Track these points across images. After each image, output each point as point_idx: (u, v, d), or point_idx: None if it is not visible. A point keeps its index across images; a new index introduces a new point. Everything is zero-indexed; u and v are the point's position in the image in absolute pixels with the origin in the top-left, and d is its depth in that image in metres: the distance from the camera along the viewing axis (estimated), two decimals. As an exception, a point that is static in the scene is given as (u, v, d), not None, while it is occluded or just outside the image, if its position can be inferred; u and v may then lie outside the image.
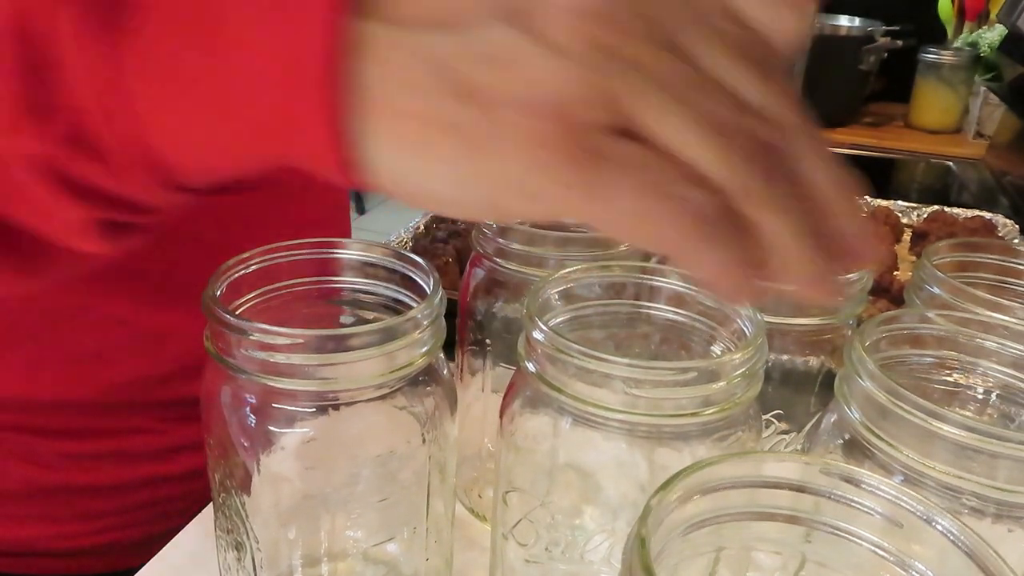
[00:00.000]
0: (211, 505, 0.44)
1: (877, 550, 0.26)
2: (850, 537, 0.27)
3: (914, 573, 0.25)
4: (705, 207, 0.23)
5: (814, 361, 0.48)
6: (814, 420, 0.41)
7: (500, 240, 0.48)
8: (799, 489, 0.27)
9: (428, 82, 0.24)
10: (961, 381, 0.40)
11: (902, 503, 0.26)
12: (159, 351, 0.57)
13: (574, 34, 0.23)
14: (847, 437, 0.35)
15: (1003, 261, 0.50)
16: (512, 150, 0.24)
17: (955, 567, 0.24)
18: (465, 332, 0.54)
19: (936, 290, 0.46)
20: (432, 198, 0.26)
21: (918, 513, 0.25)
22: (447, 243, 0.86)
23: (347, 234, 0.72)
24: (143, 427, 0.59)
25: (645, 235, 0.24)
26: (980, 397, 0.40)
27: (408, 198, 0.26)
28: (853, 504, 0.27)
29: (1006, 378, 0.39)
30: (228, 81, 0.26)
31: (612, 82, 0.23)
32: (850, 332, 0.48)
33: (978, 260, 0.51)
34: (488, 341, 0.52)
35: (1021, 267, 0.50)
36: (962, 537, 0.24)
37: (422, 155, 0.25)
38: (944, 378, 0.40)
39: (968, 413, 0.40)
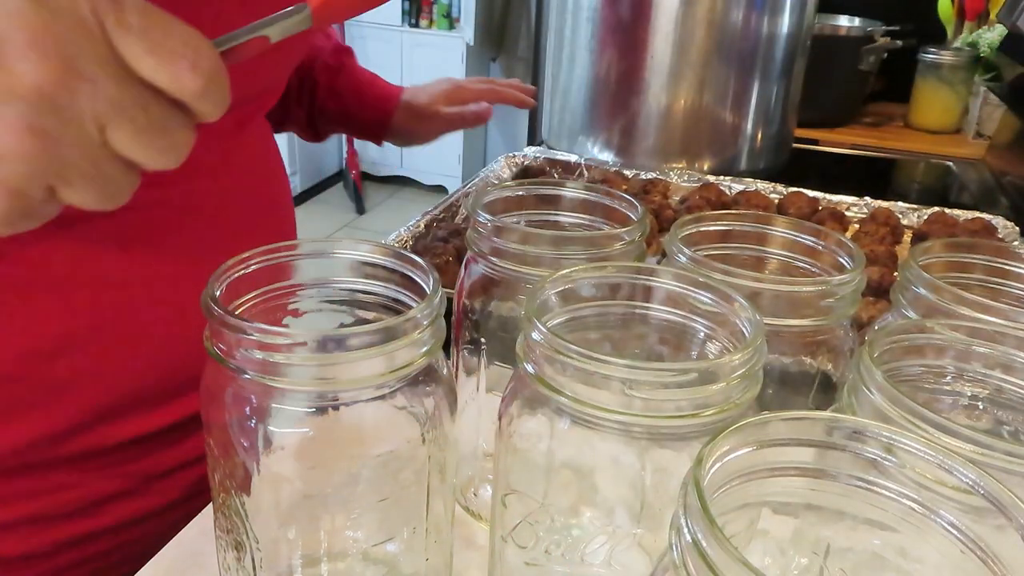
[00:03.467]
0: (211, 505, 0.44)
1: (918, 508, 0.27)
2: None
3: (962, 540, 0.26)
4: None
5: (809, 362, 0.48)
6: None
7: (495, 239, 0.48)
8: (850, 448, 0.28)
9: None
10: (958, 389, 0.40)
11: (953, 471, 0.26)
12: (58, 404, 0.52)
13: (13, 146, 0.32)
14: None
15: (993, 262, 0.50)
16: None
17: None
18: (460, 331, 0.54)
19: (921, 291, 0.46)
20: None
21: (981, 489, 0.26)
22: (447, 242, 0.86)
23: (291, 230, 0.70)
24: (62, 484, 0.54)
25: None
26: (968, 403, 0.40)
27: None
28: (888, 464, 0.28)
29: (997, 382, 0.39)
30: None
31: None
32: (842, 332, 0.48)
33: (969, 261, 0.51)
34: (483, 340, 0.52)
35: (1012, 268, 0.50)
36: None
37: None
38: (943, 386, 0.40)
39: (968, 422, 0.40)
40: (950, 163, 1.47)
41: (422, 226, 0.91)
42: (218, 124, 0.38)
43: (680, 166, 1.24)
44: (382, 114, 0.94)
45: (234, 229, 0.59)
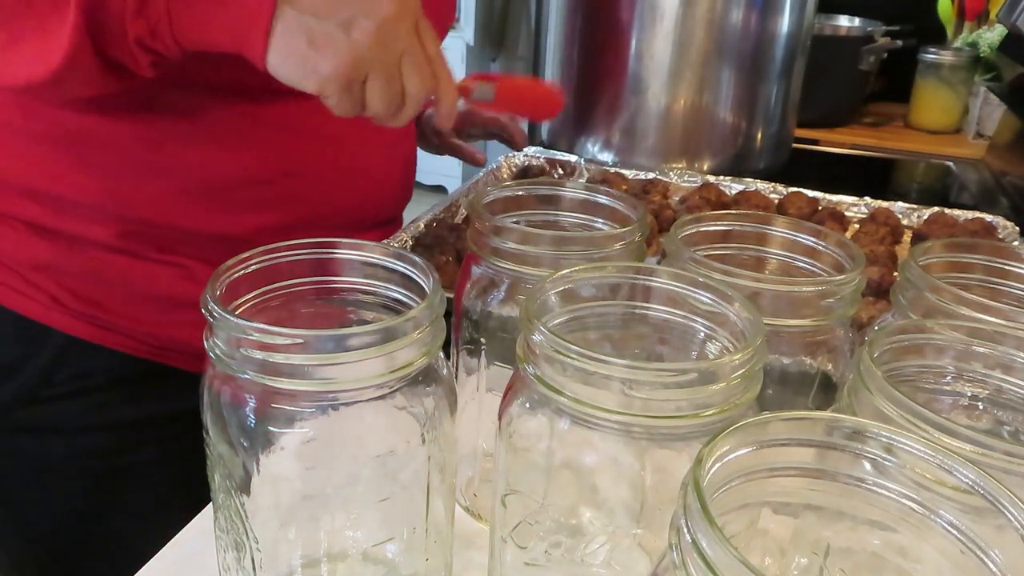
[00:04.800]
0: (211, 505, 0.44)
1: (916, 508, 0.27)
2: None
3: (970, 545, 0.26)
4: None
5: (809, 362, 0.48)
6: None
7: (495, 239, 0.48)
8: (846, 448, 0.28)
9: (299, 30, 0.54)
10: (958, 389, 0.40)
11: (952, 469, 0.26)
12: (287, 207, 0.72)
13: (363, 39, 0.54)
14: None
15: (993, 262, 0.50)
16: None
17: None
18: (460, 331, 0.54)
19: (921, 291, 0.46)
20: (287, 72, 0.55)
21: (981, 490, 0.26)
22: (448, 242, 0.86)
23: (413, 158, 0.88)
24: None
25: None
26: (968, 403, 0.40)
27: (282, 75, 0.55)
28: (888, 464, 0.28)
29: (997, 382, 0.39)
30: (220, 7, 0.54)
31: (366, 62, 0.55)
32: (842, 332, 0.48)
33: (969, 261, 0.51)
34: (483, 340, 0.52)
35: (1012, 268, 0.50)
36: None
37: (291, 57, 0.54)
38: (943, 387, 0.40)
39: (968, 422, 0.40)
40: (950, 163, 1.47)
41: (422, 226, 0.91)
42: None
43: (680, 166, 1.24)
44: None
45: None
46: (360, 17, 0.53)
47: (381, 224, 0.84)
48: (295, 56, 0.53)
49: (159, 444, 0.76)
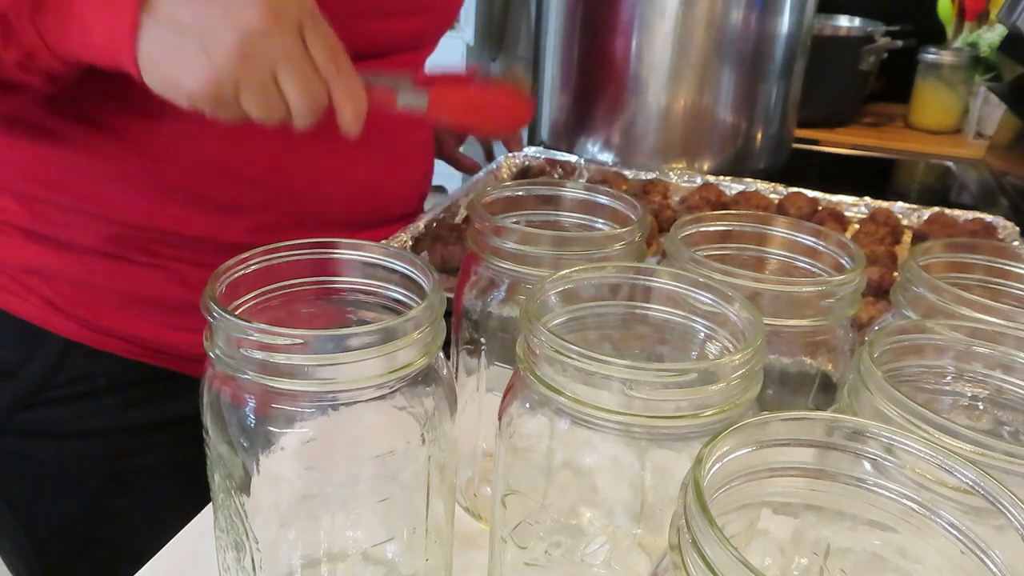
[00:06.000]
0: (211, 505, 0.44)
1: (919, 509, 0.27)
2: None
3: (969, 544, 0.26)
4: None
5: (809, 362, 0.48)
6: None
7: (495, 239, 0.48)
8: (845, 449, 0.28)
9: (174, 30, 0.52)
10: (958, 389, 0.40)
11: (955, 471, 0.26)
12: (280, 205, 0.72)
13: (222, 53, 0.52)
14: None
15: (993, 262, 0.50)
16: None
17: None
18: (460, 331, 0.54)
19: (921, 291, 0.46)
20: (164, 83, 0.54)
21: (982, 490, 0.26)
22: (448, 242, 0.86)
23: (430, 165, 0.89)
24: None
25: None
26: (968, 403, 0.40)
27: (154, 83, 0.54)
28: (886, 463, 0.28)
29: (997, 382, 0.39)
30: (90, 26, 0.53)
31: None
32: (842, 332, 0.48)
33: (969, 261, 0.51)
34: (483, 340, 0.52)
35: (1012, 268, 0.50)
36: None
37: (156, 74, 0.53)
38: (943, 387, 0.40)
39: (968, 422, 0.40)
40: (950, 163, 1.47)
41: (422, 226, 0.91)
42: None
43: (680, 166, 1.24)
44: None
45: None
46: (221, 30, 0.51)
47: (392, 221, 0.84)
48: (160, 74, 0.52)
49: (161, 448, 0.76)
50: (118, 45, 0.52)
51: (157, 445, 0.76)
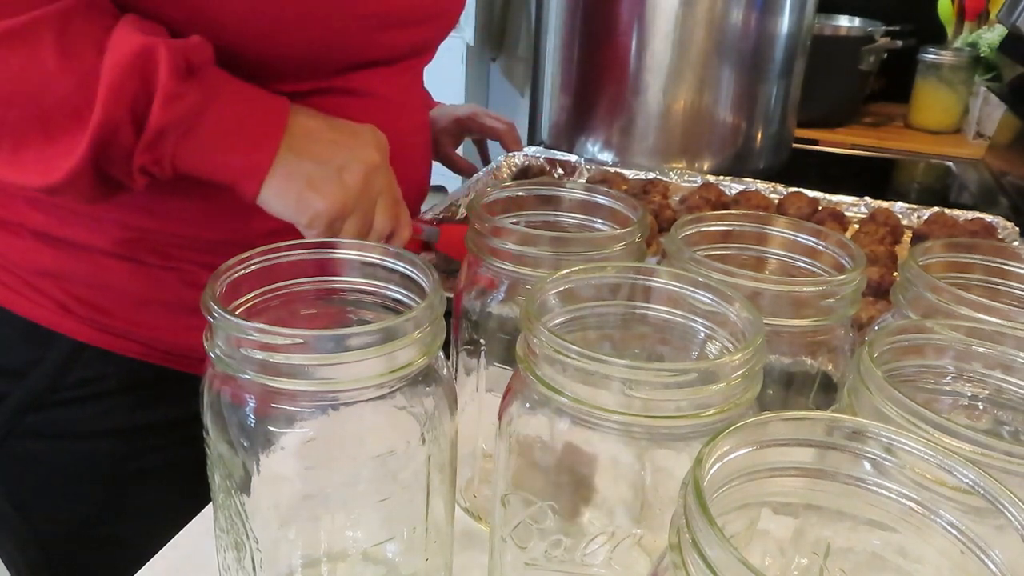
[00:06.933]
0: (211, 505, 0.44)
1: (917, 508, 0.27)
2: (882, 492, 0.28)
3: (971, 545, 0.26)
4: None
5: (810, 362, 0.48)
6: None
7: (495, 240, 0.48)
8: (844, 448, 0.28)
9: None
10: (958, 389, 0.40)
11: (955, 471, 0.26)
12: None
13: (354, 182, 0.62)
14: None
15: (993, 262, 0.50)
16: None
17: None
18: (460, 331, 0.54)
19: (921, 291, 0.46)
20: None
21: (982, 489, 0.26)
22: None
23: (429, 166, 0.92)
24: None
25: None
26: (968, 403, 0.40)
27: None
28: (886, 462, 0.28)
29: (997, 382, 0.39)
30: (228, 153, 0.60)
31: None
32: (842, 332, 0.48)
33: (969, 261, 0.51)
34: (482, 341, 0.52)
35: (1012, 268, 0.50)
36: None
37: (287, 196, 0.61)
38: (943, 386, 0.40)
39: (968, 422, 0.40)
40: (950, 163, 1.47)
41: (422, 226, 0.91)
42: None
43: (680, 166, 1.24)
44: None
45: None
46: (352, 163, 0.61)
47: None
48: (291, 195, 0.60)
49: (170, 449, 0.76)
50: (253, 172, 0.60)
51: (165, 445, 0.76)
